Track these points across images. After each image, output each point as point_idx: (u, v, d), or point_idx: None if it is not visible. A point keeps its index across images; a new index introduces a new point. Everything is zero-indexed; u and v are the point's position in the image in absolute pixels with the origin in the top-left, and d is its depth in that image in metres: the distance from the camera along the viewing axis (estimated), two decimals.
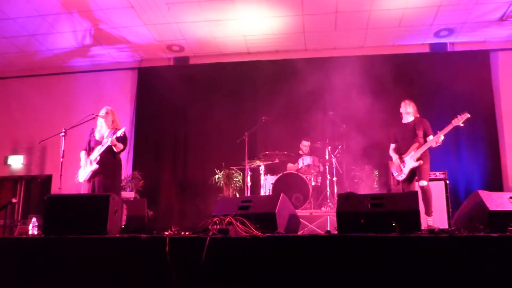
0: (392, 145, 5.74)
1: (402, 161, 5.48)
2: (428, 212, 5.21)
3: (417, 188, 5.34)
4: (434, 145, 5.37)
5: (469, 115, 5.35)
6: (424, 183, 5.27)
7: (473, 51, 8.22)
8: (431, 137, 5.45)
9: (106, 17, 7.47)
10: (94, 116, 5.40)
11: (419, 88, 7.98)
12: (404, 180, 5.51)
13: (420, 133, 5.50)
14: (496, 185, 7.48)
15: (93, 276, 3.15)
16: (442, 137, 5.34)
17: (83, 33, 8.04)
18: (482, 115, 7.67)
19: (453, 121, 5.34)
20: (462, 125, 5.34)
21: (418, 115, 5.70)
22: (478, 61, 8.13)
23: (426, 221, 5.12)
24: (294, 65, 8.21)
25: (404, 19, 7.50)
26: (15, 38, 8.06)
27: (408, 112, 5.67)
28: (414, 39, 8.27)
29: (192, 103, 8.74)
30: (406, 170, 5.44)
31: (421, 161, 5.33)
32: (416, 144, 5.43)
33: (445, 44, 8.38)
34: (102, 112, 5.38)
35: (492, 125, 7.82)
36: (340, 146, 7.11)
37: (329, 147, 7.14)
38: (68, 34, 8.06)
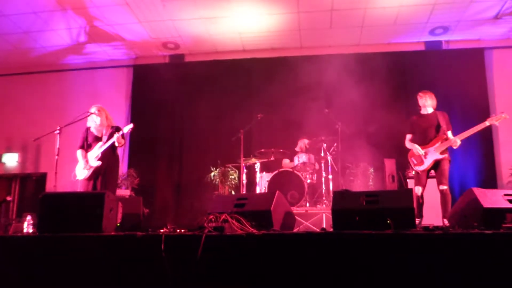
0: (409, 136, 5.58)
1: (425, 152, 5.30)
2: (447, 215, 4.94)
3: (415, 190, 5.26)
4: (457, 144, 5.19)
5: (507, 116, 5.21)
6: (445, 187, 5.12)
7: (467, 49, 8.25)
8: (449, 132, 5.31)
9: (100, 14, 7.44)
10: (89, 114, 5.38)
11: (414, 85, 7.96)
12: (425, 171, 5.33)
13: (444, 126, 5.34)
14: (491, 182, 7.52)
15: (89, 274, 3.14)
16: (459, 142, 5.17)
17: (78, 30, 8.00)
18: (477, 112, 7.68)
19: (487, 120, 5.21)
20: (497, 124, 5.28)
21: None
22: (473, 59, 8.17)
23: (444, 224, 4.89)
24: (290, 62, 8.23)
25: (400, 17, 7.51)
26: (8, 35, 8.01)
27: (428, 104, 5.51)
28: (409, 37, 8.30)
29: (187, 101, 8.74)
30: (428, 161, 5.26)
31: (446, 155, 5.21)
32: (444, 136, 5.28)
33: (440, 42, 8.42)
34: (95, 110, 5.36)
35: None
36: (335, 144, 7.12)
37: (325, 145, 7.16)
38: (62, 32, 8.02)
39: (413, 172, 5.67)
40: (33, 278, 3.21)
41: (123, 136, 5.15)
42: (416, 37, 8.30)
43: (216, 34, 8.18)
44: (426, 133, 5.40)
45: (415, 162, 5.41)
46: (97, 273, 3.13)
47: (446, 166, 5.22)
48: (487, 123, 5.21)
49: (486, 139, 7.84)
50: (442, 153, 5.22)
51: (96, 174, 5.19)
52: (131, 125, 5.24)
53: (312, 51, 8.53)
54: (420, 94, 5.60)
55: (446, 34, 8.15)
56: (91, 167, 5.17)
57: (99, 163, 5.14)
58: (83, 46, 8.59)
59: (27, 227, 4.56)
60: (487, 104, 7.99)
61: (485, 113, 7.83)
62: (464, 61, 8.06)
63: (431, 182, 5.56)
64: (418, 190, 5.29)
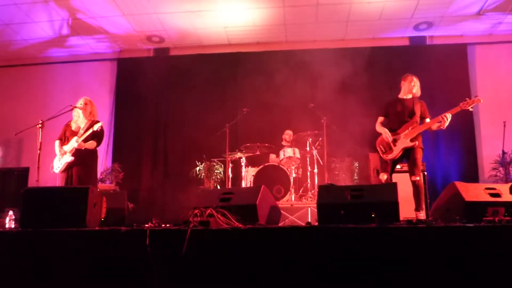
0: (381, 118, 5.15)
1: (394, 139, 4.90)
2: (419, 208, 4.76)
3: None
4: (435, 127, 4.83)
5: (481, 100, 4.80)
6: (417, 177, 4.76)
7: (451, 45, 8.35)
8: (428, 119, 4.95)
9: (83, 6, 7.31)
10: (72, 107, 5.32)
11: (398, 80, 8.04)
12: (394, 160, 4.97)
13: (418, 113, 4.95)
14: (472, 176, 7.65)
15: (72, 269, 3.11)
16: (449, 117, 4.72)
17: (60, 22, 7.86)
18: None
19: (461, 104, 4.80)
20: (471, 109, 4.80)
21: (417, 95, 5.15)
22: (456, 55, 8.28)
23: (417, 217, 4.65)
24: (275, 57, 8.23)
25: (385, 12, 7.56)
26: None
27: (415, 92, 5.08)
28: (394, 32, 8.36)
29: (172, 95, 8.69)
30: (397, 149, 4.86)
31: (416, 142, 4.82)
32: (414, 123, 4.89)
33: (424, 37, 8.50)
34: (81, 102, 5.31)
35: (469, 117, 7.96)
36: (320, 138, 7.15)
37: (310, 139, 7.19)
38: (44, 24, 7.87)
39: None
40: (15, 274, 3.17)
41: (95, 133, 5.07)
42: (401, 32, 8.36)
43: (201, 28, 8.13)
44: (399, 117, 4.99)
45: (383, 150, 5.00)
46: (80, 269, 3.10)
47: (418, 155, 4.85)
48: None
49: (468, 134, 7.98)
50: (412, 140, 4.84)
51: (69, 168, 5.13)
52: (100, 124, 5.14)
53: (298, 46, 8.53)
54: (414, 78, 5.13)
55: (430, 29, 8.23)
56: (64, 161, 5.12)
57: (71, 158, 5.07)
58: (65, 39, 8.45)
59: (9, 222, 4.50)
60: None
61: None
62: (447, 57, 8.15)
63: (404, 174, 5.26)
64: (382, 177, 4.95)
